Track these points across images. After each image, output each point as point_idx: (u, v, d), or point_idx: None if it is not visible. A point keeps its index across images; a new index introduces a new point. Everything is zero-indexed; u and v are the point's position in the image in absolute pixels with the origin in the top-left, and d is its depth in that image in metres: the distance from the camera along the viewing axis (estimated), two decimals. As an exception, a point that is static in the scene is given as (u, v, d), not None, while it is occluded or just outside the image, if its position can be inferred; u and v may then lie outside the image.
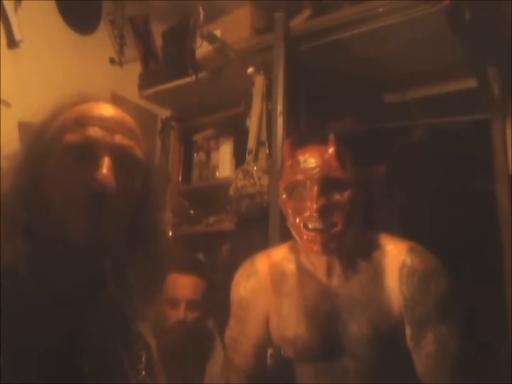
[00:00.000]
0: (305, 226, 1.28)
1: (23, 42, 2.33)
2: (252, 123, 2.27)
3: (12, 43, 2.30)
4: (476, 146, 2.09)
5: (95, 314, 0.81)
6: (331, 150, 1.29)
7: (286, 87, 2.09)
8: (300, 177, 1.30)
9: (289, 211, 1.33)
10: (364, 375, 1.32)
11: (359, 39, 2.10)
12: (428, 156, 2.26)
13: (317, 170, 1.28)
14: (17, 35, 2.30)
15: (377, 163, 2.25)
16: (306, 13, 2.26)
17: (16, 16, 2.30)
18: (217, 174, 2.87)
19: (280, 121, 2.05)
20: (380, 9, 1.99)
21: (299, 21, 2.25)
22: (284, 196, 1.35)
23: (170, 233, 2.49)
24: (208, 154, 2.98)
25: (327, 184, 1.27)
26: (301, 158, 1.32)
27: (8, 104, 2.22)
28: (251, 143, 2.24)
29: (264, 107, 2.26)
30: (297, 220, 1.30)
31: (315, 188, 1.26)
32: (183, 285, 1.93)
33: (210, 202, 2.86)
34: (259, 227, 2.04)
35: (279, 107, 2.07)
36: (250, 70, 2.30)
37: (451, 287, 1.29)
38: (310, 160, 1.30)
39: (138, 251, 0.85)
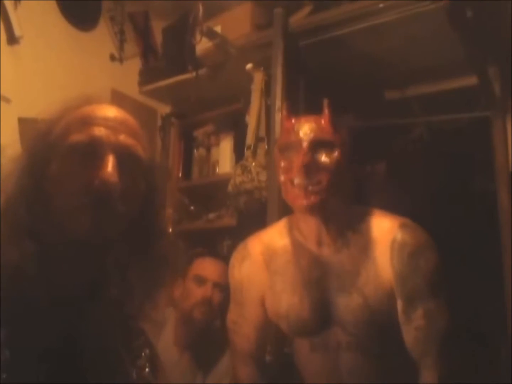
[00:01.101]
0: (291, 182, 1.34)
1: (23, 39, 2.33)
2: (251, 119, 2.26)
3: (12, 39, 2.30)
4: (476, 144, 2.09)
5: (96, 314, 0.81)
6: (325, 113, 1.37)
7: (285, 83, 2.08)
8: (293, 138, 1.36)
9: (279, 170, 1.39)
10: (357, 348, 1.36)
11: (359, 36, 2.09)
12: (428, 154, 2.26)
13: (309, 132, 1.35)
14: (17, 32, 2.30)
15: (377, 160, 2.25)
16: (306, 9, 2.25)
17: (16, 12, 2.30)
18: (217, 170, 2.87)
19: (278, 117, 2.04)
20: (381, 5, 1.98)
21: (299, 17, 2.24)
22: (277, 155, 1.41)
23: (170, 230, 2.50)
24: (208, 150, 2.97)
25: (317, 145, 1.33)
26: (296, 123, 1.39)
27: (8, 100, 2.22)
28: (249, 139, 2.24)
29: (263, 103, 2.26)
30: (285, 177, 1.36)
31: (305, 145, 1.33)
32: (212, 266, 2.03)
33: (210, 198, 2.87)
34: (258, 222, 2.04)
35: (278, 103, 2.06)
36: (249, 66, 2.30)
37: (440, 263, 1.33)
38: (305, 125, 1.37)
39: (140, 250, 0.85)
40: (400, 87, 2.42)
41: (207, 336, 2.00)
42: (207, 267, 2.03)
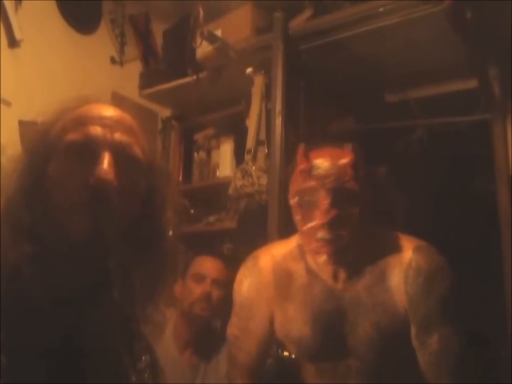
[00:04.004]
0: (313, 235, 1.28)
1: (23, 42, 2.33)
2: (251, 123, 2.27)
3: (13, 42, 2.30)
4: (476, 146, 2.09)
5: (97, 315, 0.81)
6: (347, 160, 1.27)
7: (285, 86, 2.09)
8: (312, 184, 1.28)
9: (298, 217, 1.32)
10: (367, 374, 1.33)
11: (360, 39, 2.09)
12: (428, 156, 2.26)
13: (331, 179, 1.26)
14: (18, 35, 2.30)
15: (377, 163, 2.25)
16: (307, 13, 2.26)
17: (16, 16, 2.30)
18: (217, 173, 2.87)
19: (279, 121, 2.06)
20: (381, 9, 1.98)
21: (299, 21, 2.25)
22: (294, 200, 1.33)
23: (170, 232, 2.50)
24: (208, 153, 2.98)
25: (339, 195, 1.26)
26: (314, 162, 1.29)
27: (8, 103, 2.22)
28: (250, 143, 2.25)
29: (263, 107, 2.26)
30: (306, 227, 1.30)
31: (327, 200, 1.25)
32: (210, 263, 2.07)
33: (211, 201, 2.87)
34: (258, 226, 2.05)
35: (278, 107, 2.07)
36: (249, 70, 2.30)
37: (454, 286, 1.31)
38: (324, 165, 1.27)
39: (142, 252, 0.85)
40: (400, 90, 2.42)
41: (207, 333, 2.03)
42: (205, 264, 2.06)
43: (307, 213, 1.29)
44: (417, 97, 2.38)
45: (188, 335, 2.02)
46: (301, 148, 1.33)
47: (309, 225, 1.28)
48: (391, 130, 2.28)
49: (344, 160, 1.27)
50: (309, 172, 1.29)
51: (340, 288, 1.35)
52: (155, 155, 0.92)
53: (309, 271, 1.39)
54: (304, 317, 1.36)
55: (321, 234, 1.26)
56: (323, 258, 1.29)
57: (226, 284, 1.97)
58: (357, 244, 1.31)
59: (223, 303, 1.98)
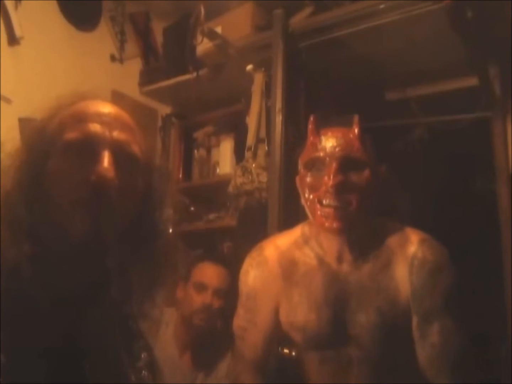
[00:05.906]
0: (320, 202, 1.31)
1: (23, 39, 2.34)
2: (251, 120, 2.27)
3: (13, 40, 2.30)
4: (476, 144, 2.10)
5: (96, 314, 0.81)
6: (355, 130, 1.32)
7: (285, 84, 2.09)
8: (320, 153, 1.32)
9: (305, 187, 1.35)
10: (368, 364, 1.34)
11: (360, 37, 2.09)
12: (428, 155, 2.26)
13: (338, 148, 1.30)
14: (18, 32, 2.30)
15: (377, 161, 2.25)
16: (307, 10, 2.25)
17: (16, 13, 2.30)
18: (217, 171, 2.87)
19: (279, 118, 2.06)
20: (381, 6, 1.98)
21: (299, 19, 2.25)
22: (302, 171, 1.38)
23: (170, 230, 2.50)
24: (208, 151, 2.98)
25: (346, 164, 1.29)
26: (323, 136, 1.34)
27: (8, 101, 2.22)
28: (250, 140, 2.25)
29: (263, 104, 2.26)
30: (312, 196, 1.33)
31: (334, 165, 1.28)
32: (212, 272, 2.05)
33: (211, 198, 2.87)
34: (258, 223, 2.05)
35: (278, 104, 2.07)
36: (249, 67, 2.30)
37: (457, 281, 1.33)
38: (332, 139, 1.33)
39: (141, 250, 0.85)
40: (400, 88, 2.42)
41: (207, 338, 2.03)
42: (207, 273, 2.05)
43: (315, 182, 1.33)
44: (417, 95, 2.38)
45: (188, 340, 2.03)
46: (311, 121, 1.39)
47: (316, 192, 1.31)
48: (391, 128, 2.28)
49: (351, 134, 1.32)
50: (317, 143, 1.34)
51: (345, 272, 1.36)
52: (153, 153, 0.92)
53: (314, 256, 1.40)
54: (309, 302, 1.36)
55: (327, 200, 1.29)
56: (328, 224, 1.29)
57: (228, 292, 1.97)
58: (363, 216, 1.33)
59: (224, 311, 1.99)
